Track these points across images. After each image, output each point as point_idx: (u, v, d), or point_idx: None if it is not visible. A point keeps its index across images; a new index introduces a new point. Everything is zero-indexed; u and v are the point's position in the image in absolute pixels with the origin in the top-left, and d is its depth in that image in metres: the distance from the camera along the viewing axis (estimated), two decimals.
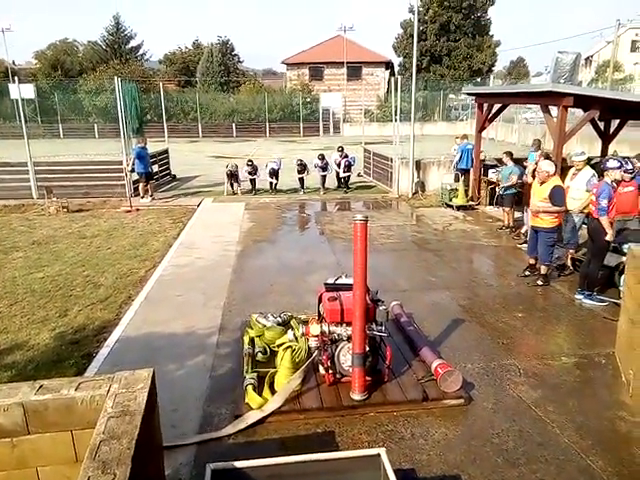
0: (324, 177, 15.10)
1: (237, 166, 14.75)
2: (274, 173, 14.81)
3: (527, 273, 7.54)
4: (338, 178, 15.56)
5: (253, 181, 14.73)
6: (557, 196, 6.77)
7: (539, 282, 7.18)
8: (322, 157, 15.16)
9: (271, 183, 14.88)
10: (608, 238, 6.32)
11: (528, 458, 3.74)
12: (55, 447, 2.47)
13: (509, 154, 10.33)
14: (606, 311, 6.28)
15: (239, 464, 2.76)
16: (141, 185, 13.66)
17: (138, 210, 12.52)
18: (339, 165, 15.26)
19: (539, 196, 6.97)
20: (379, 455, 2.87)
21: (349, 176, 15.47)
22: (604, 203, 6.26)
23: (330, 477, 2.85)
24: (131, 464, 1.96)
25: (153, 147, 17.51)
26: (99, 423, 2.24)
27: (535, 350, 5.43)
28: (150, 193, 13.82)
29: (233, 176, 14.69)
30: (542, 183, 6.94)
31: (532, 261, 7.54)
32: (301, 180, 15.05)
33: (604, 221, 6.29)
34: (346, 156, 15.20)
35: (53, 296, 6.90)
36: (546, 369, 5.01)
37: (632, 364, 4.51)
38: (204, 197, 14.03)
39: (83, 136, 34.82)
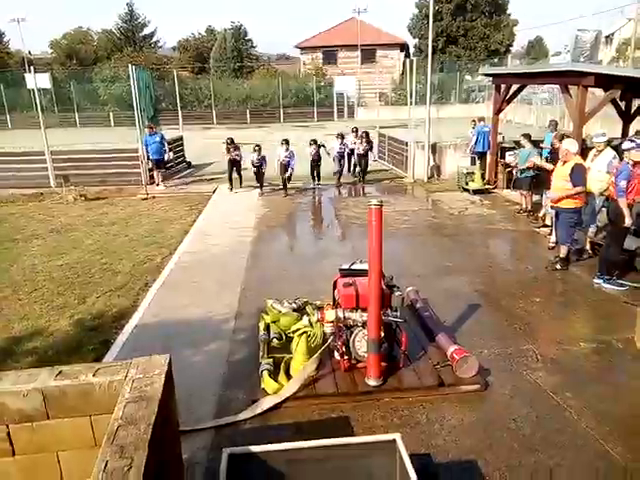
0: (341, 165, 13.61)
1: (238, 148, 12.94)
2: (285, 168, 12.48)
3: (558, 267, 7.12)
4: (353, 165, 14.17)
5: (259, 174, 12.76)
6: (577, 175, 6.65)
7: (557, 266, 7.06)
8: (342, 137, 13.62)
9: (284, 180, 12.62)
10: (627, 223, 6.18)
11: (545, 444, 3.72)
12: (74, 432, 2.52)
13: (527, 136, 10.13)
14: (626, 296, 6.17)
15: (255, 449, 2.79)
16: (155, 172, 13.75)
17: (154, 197, 12.61)
18: (352, 152, 13.75)
19: (561, 176, 6.84)
20: (394, 440, 2.87)
21: (367, 163, 13.75)
22: (622, 184, 6.13)
23: (345, 462, 2.86)
24: (148, 449, 1.99)
25: (168, 134, 17.60)
26: (117, 408, 2.27)
27: (553, 335, 5.36)
28: (156, 182, 13.81)
29: (235, 164, 12.89)
30: (564, 163, 6.82)
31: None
32: (316, 168, 13.18)
33: (622, 203, 6.15)
34: (364, 137, 13.34)
35: (72, 283, 7.01)
36: (564, 354, 4.95)
37: None
38: (219, 184, 14.04)
39: (99, 124, 35.01)
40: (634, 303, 5.53)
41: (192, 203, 11.91)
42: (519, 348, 5.08)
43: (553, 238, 7.94)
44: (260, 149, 12.62)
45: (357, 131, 13.84)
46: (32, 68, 15.93)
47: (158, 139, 13.55)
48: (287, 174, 12.50)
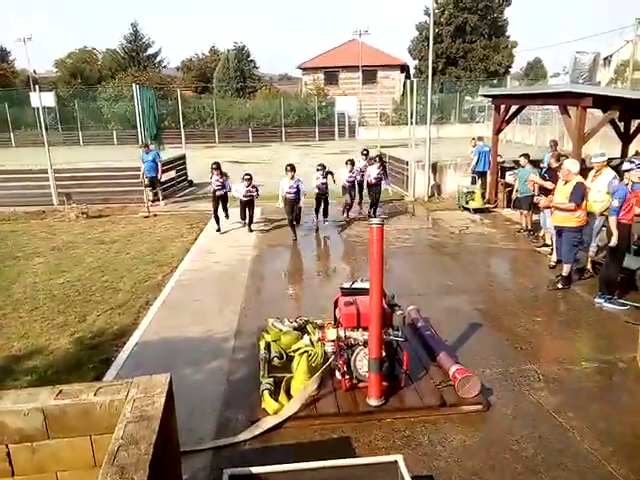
0: (352, 197, 11.47)
1: (224, 175, 10.67)
2: (292, 204, 10.00)
3: (560, 286, 7.09)
4: (360, 196, 12.27)
5: (247, 207, 10.70)
6: (576, 194, 6.70)
7: (559, 285, 7.06)
8: (352, 163, 11.40)
9: (290, 221, 10.18)
10: (612, 242, 6.21)
11: (548, 465, 3.68)
12: (74, 452, 2.51)
13: (526, 156, 10.21)
14: (627, 315, 6.16)
15: (256, 470, 2.77)
16: (157, 190, 13.89)
17: (156, 215, 12.66)
18: (361, 178, 11.67)
19: (562, 195, 6.90)
20: (396, 462, 2.85)
21: (379, 193, 11.52)
22: (615, 204, 6.20)
23: None
24: (149, 470, 1.98)
25: (170, 153, 17.77)
26: (117, 428, 2.26)
27: (554, 355, 5.34)
28: (159, 198, 13.92)
29: (222, 199, 10.75)
30: (566, 182, 6.88)
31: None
32: (323, 201, 10.93)
33: (612, 221, 6.21)
34: (376, 161, 11.36)
35: (72, 301, 7.01)
36: (566, 374, 4.92)
37: None
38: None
39: (102, 143, 35.36)
40: (636, 323, 5.52)
41: (193, 221, 11.96)
42: (521, 367, 5.05)
43: (554, 257, 7.95)
44: (251, 179, 10.46)
45: (368, 154, 12.13)
46: (37, 87, 16.15)
47: (151, 158, 13.55)
48: (294, 212, 10.18)
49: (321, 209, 11.07)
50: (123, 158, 17.55)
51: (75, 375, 4.91)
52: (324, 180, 10.65)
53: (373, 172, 11.33)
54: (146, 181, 13.53)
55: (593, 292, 6.83)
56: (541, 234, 9.37)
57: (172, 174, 16.42)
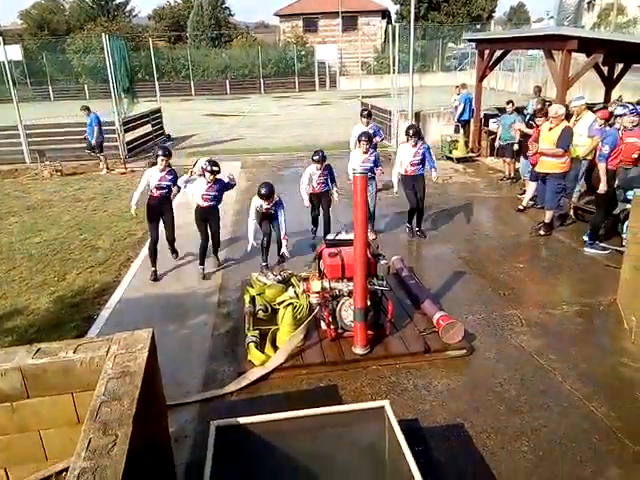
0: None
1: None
2: (267, 238, 6.27)
3: (542, 232, 7.13)
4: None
5: (207, 225, 6.27)
6: (563, 139, 6.63)
7: (541, 232, 7.10)
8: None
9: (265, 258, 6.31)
10: (601, 189, 6.20)
11: (531, 406, 3.77)
12: (56, 410, 2.46)
13: (510, 103, 10.04)
14: (609, 259, 6.24)
15: (243, 420, 2.76)
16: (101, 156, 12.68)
17: (133, 172, 12.31)
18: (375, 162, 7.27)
19: (549, 142, 6.82)
20: (383, 407, 2.87)
21: (423, 188, 7.37)
22: (605, 150, 6.14)
23: (335, 430, 2.85)
24: (132, 425, 1.94)
25: (145, 106, 17.14)
26: (99, 385, 2.21)
27: (537, 300, 5.41)
28: (101, 167, 12.61)
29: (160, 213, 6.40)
30: (551, 129, 6.79)
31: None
32: (323, 207, 7.07)
33: (601, 168, 6.18)
34: (413, 134, 6.95)
35: (51, 260, 6.85)
36: (548, 318, 5.00)
37: (635, 311, 4.50)
38: (200, 157, 13.75)
39: (74, 97, 33.93)
40: (616, 266, 5.58)
41: None
42: (503, 313, 5.12)
43: (525, 202, 8.13)
44: (219, 170, 6.27)
45: (370, 116, 8.88)
46: (1, 39, 15.23)
47: (89, 122, 12.40)
48: (279, 250, 6.35)
49: (323, 218, 7.10)
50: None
51: (57, 334, 4.84)
52: (322, 174, 6.87)
53: (407, 153, 7.09)
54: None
55: (575, 238, 6.90)
56: (522, 180, 9.36)
57: (147, 128, 15.91)
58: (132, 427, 1.92)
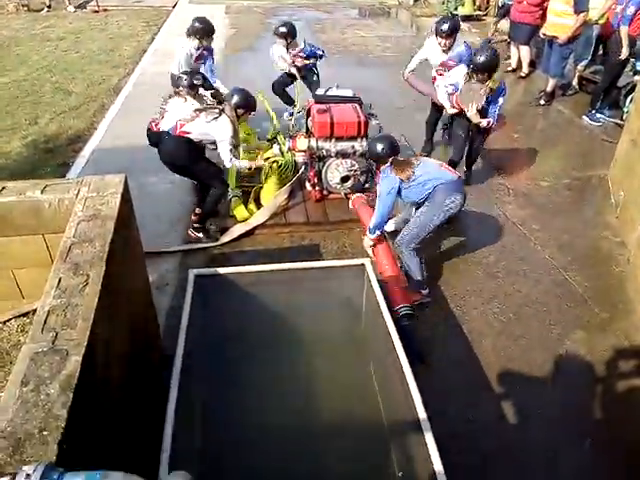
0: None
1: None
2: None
3: (542, 102, 6.79)
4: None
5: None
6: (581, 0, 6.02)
7: (542, 101, 6.75)
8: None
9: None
10: (623, 54, 5.76)
11: (508, 271, 3.85)
12: (27, 251, 2.38)
13: None
14: (607, 133, 6.03)
15: (223, 270, 2.74)
16: None
17: (106, 10, 11.15)
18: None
19: (563, 0, 6.17)
20: (363, 265, 2.86)
21: (481, 142, 4.83)
22: (630, 11, 5.59)
23: (313, 284, 2.87)
24: (105, 266, 1.87)
25: None
26: (69, 227, 2.10)
27: (527, 171, 5.29)
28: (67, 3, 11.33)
29: None
30: None
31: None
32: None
33: (623, 31, 5.67)
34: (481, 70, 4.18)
35: (21, 103, 6.40)
36: (536, 190, 4.94)
37: (625, 185, 4.43)
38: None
39: None
40: (613, 141, 5.41)
41: (150, 18, 10.59)
42: (492, 182, 5.03)
43: (514, 63, 7.86)
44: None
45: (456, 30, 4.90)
46: None
47: None
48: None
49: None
50: None
51: (31, 179, 4.63)
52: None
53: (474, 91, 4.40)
54: None
55: (575, 109, 6.59)
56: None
57: None
58: (105, 268, 1.85)
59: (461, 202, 3.38)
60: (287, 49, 5.53)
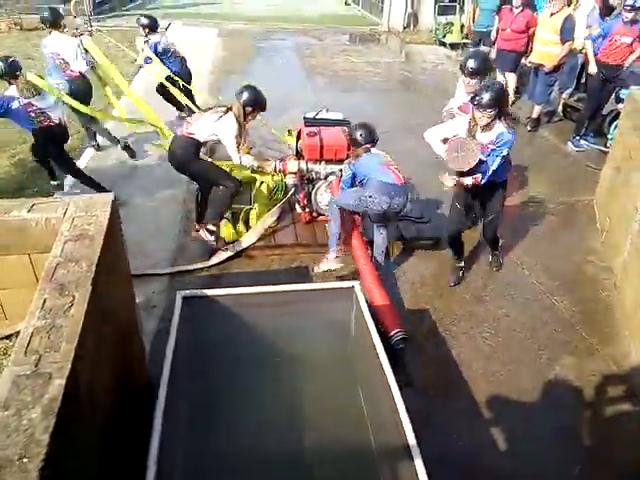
0: None
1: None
2: None
3: (528, 128, 6.95)
4: None
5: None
6: (568, 29, 6.21)
7: (528, 127, 6.90)
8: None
9: None
10: (590, 69, 6.05)
11: (495, 295, 3.87)
12: (13, 270, 2.34)
13: None
14: (589, 159, 6.15)
15: (211, 292, 2.72)
16: None
17: (99, 31, 11.22)
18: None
19: (550, 29, 6.34)
20: (352, 288, 2.86)
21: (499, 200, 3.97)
22: (595, 31, 5.89)
23: (304, 306, 2.85)
24: (91, 287, 1.84)
25: None
26: (55, 246, 2.07)
27: (513, 196, 5.33)
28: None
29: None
30: (552, 14, 6.30)
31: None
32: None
33: (588, 46, 5.99)
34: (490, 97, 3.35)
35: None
36: (521, 215, 5.00)
37: (610, 211, 4.50)
38: (172, 20, 12.60)
39: None
40: (597, 167, 5.51)
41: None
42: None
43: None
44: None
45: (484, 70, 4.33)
46: None
47: None
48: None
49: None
50: None
51: (18, 197, 4.59)
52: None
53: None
54: None
55: (560, 135, 6.73)
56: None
57: None
58: (91, 289, 1.83)
59: (387, 203, 3.51)
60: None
